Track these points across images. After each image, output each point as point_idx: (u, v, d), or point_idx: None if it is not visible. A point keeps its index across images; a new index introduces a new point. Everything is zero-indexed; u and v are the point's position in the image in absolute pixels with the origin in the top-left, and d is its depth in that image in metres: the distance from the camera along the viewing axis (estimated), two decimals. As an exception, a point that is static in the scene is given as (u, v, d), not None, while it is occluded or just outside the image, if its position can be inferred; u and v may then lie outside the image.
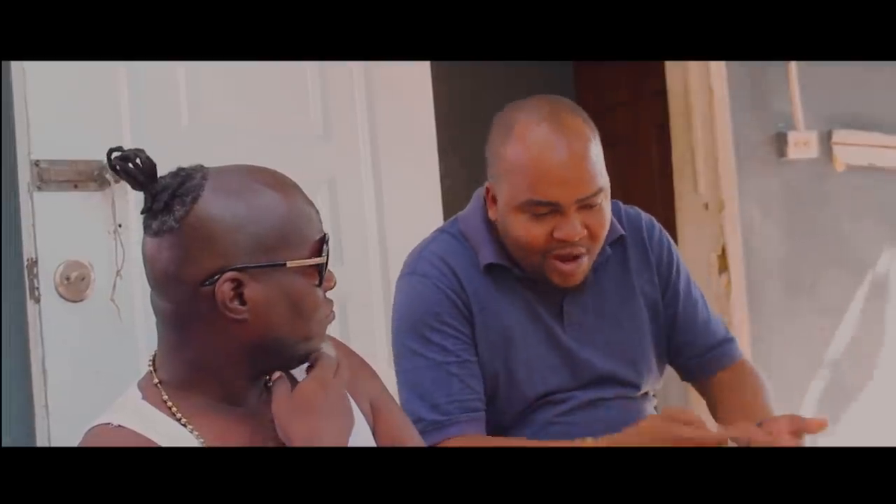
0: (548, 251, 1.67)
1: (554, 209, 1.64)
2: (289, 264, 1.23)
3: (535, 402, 1.76)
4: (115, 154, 1.23)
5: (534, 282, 1.75)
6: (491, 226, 1.76)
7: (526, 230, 1.66)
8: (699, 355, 1.87)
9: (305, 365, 1.31)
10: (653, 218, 1.90)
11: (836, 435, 3.07)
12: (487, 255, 1.75)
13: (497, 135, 1.70)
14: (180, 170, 1.25)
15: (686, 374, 1.92)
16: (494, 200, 1.73)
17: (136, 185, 1.23)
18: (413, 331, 1.73)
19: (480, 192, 1.80)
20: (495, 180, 1.71)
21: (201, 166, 1.27)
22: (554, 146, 1.63)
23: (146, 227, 1.24)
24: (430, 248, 1.79)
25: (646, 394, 1.87)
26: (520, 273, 1.75)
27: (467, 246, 1.77)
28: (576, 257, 1.68)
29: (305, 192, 1.30)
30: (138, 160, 1.22)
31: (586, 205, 1.65)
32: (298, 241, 1.25)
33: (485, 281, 1.75)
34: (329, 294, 1.31)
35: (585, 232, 1.66)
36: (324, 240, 1.27)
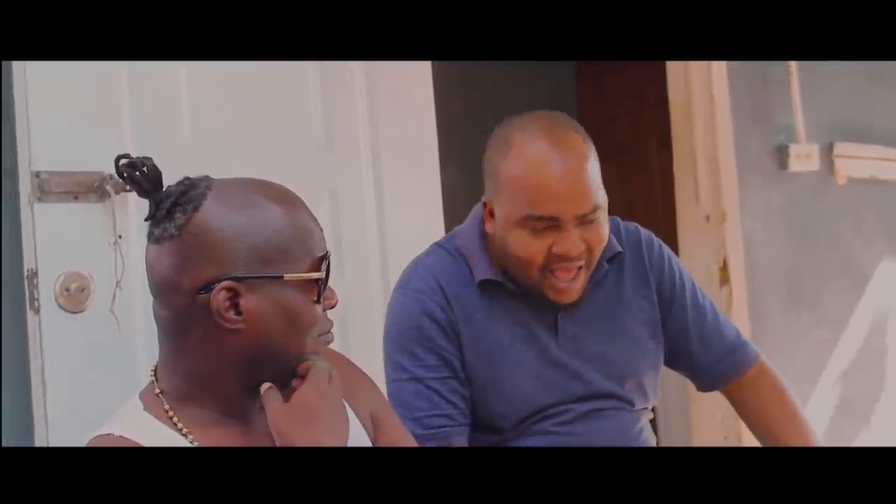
0: (546, 266, 1.68)
1: (552, 224, 1.65)
2: (286, 277, 1.23)
3: (530, 416, 1.75)
4: (122, 161, 1.23)
5: (528, 296, 1.75)
6: (486, 242, 1.77)
7: (525, 246, 1.67)
8: (716, 362, 1.88)
9: None
10: (652, 234, 1.90)
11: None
12: (482, 272, 1.75)
13: (495, 150, 1.71)
14: (186, 179, 1.26)
15: (706, 384, 1.93)
16: (492, 214, 1.73)
17: (142, 192, 1.24)
18: (397, 343, 1.75)
19: (478, 207, 1.80)
20: (493, 195, 1.72)
21: (207, 177, 1.27)
22: (553, 162, 1.64)
23: (149, 235, 1.25)
24: (423, 263, 1.80)
25: (644, 407, 1.86)
26: (514, 288, 1.75)
27: (462, 262, 1.78)
28: (574, 272, 1.69)
29: (307, 202, 1.30)
30: (145, 168, 1.23)
31: (585, 221, 1.66)
32: (298, 255, 1.25)
33: (477, 297, 1.75)
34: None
35: (584, 247, 1.67)
36: (324, 257, 1.27)
